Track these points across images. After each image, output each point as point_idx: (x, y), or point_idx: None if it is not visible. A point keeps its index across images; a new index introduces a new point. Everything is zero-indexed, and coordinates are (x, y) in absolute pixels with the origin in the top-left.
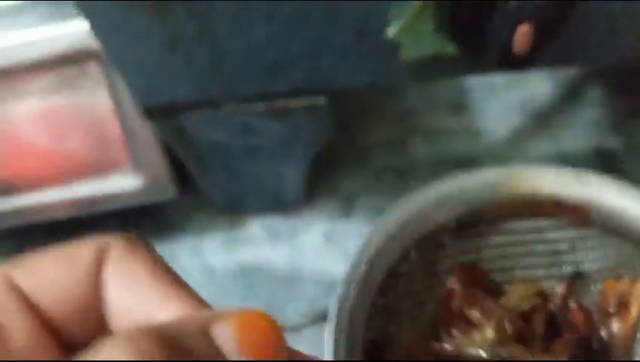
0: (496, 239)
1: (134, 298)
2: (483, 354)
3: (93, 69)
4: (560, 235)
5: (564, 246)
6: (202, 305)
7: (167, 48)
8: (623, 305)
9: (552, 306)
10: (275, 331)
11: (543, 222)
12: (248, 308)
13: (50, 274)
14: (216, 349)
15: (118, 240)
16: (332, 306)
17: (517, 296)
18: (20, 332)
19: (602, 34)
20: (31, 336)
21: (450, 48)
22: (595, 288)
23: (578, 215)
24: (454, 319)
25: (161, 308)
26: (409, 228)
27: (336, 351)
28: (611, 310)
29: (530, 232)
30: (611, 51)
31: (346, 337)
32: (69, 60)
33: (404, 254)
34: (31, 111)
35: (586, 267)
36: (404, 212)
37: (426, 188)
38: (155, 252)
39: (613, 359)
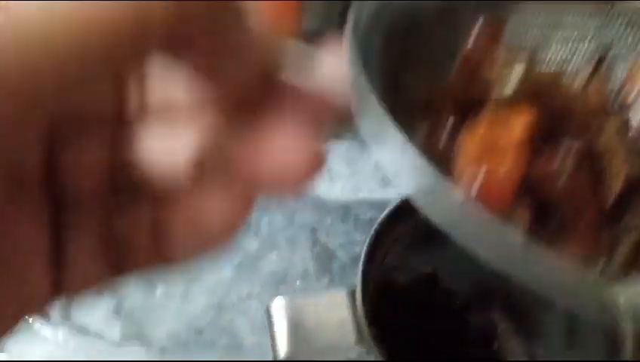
0: (519, 18)
1: None
2: (510, 90)
3: None
4: (585, 22)
5: (588, 34)
6: None
7: None
8: None
9: (572, 91)
10: None
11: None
12: None
13: None
14: None
15: None
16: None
17: (539, 76)
18: None
19: None
20: None
21: None
22: (619, 75)
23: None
24: (478, 66)
25: None
26: None
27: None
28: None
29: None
30: None
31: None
32: None
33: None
34: None
35: (611, 54)
36: None
37: None
38: None
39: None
